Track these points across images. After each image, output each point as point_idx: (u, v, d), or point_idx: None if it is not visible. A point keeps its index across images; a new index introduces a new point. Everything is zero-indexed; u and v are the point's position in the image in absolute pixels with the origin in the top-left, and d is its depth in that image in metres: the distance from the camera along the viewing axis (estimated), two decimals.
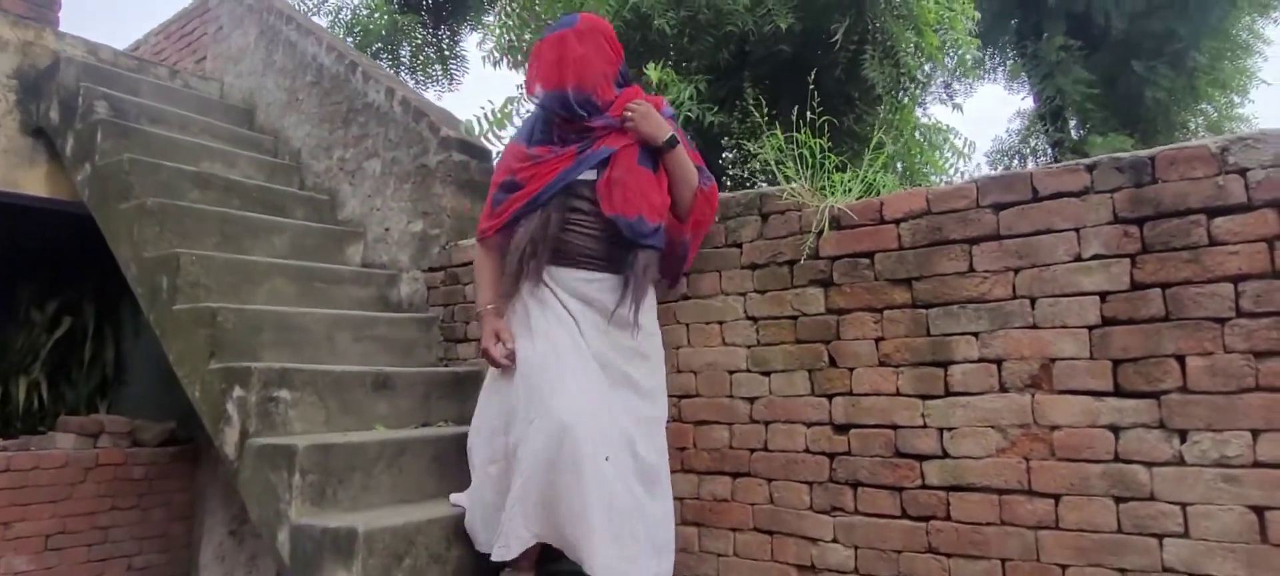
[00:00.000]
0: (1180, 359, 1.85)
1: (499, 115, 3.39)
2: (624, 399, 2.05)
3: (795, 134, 2.52)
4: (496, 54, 3.82)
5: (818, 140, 2.51)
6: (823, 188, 2.51)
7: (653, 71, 3.31)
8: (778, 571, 2.41)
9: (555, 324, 2.04)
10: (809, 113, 2.61)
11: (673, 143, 2.11)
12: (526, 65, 2.28)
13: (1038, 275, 2.03)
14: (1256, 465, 1.75)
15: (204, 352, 2.64)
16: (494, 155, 3.75)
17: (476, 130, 3.58)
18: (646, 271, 2.11)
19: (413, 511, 2.35)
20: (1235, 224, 1.80)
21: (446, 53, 6.40)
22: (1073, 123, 7.57)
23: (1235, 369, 1.78)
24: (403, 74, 6.61)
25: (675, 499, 2.61)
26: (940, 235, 2.18)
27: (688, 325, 2.66)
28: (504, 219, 2.15)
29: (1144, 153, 1.92)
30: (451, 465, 2.69)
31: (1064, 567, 1.95)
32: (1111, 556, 1.89)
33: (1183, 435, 1.84)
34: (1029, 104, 8.58)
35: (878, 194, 2.54)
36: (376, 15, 5.64)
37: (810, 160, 2.56)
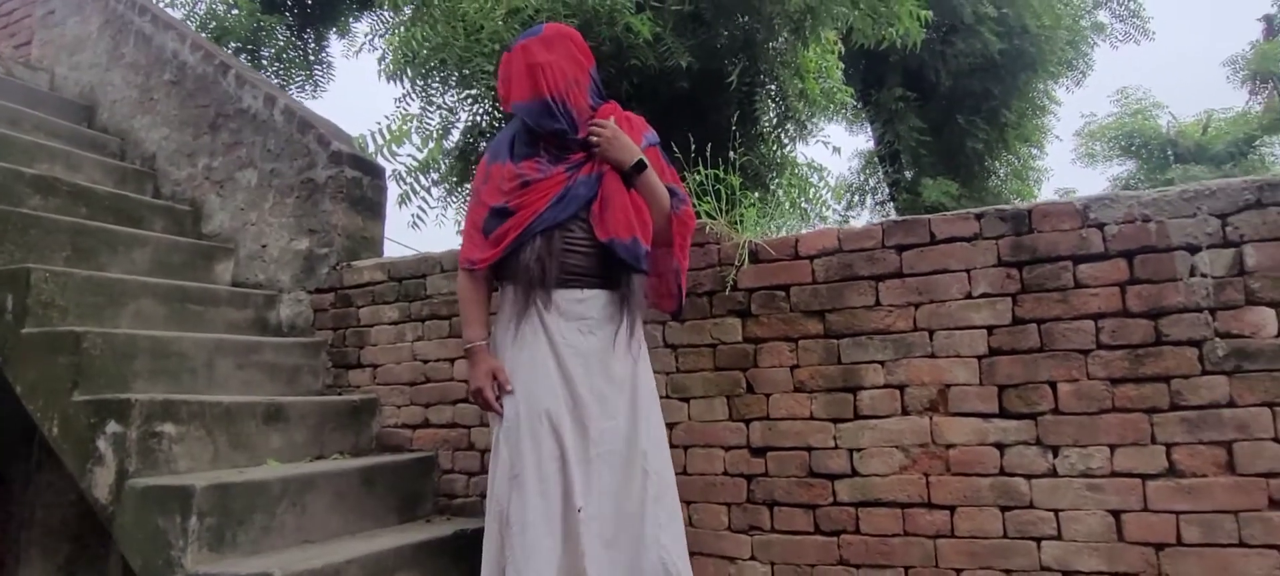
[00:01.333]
0: (1052, 384, 2.15)
1: (396, 132, 3.26)
2: (600, 430, 1.96)
3: (714, 171, 2.64)
4: (393, 69, 3.68)
5: (733, 176, 2.65)
6: (736, 222, 2.66)
7: None
8: None
9: (540, 375, 1.95)
10: (708, 147, 2.75)
11: (640, 166, 2.01)
12: (497, 83, 2.15)
13: (935, 310, 2.28)
14: (1114, 475, 2.07)
15: (65, 383, 2.33)
16: (388, 173, 3.61)
17: (371, 147, 3.43)
18: (640, 294, 2.06)
19: (323, 552, 2.21)
20: (1095, 270, 2.13)
21: (312, 57, 6.03)
22: (908, 165, 8.39)
23: (1096, 393, 2.10)
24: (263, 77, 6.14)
25: None
26: (850, 271, 2.38)
27: None
28: (501, 248, 1.99)
29: (1023, 205, 2.22)
30: (355, 502, 2.56)
31: (959, 571, 2.18)
32: (1000, 559, 2.15)
33: (1055, 450, 2.13)
34: (869, 145, 9.40)
35: (780, 230, 2.73)
36: (237, 12, 5.21)
37: (725, 195, 2.70)
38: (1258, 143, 11.76)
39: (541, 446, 1.90)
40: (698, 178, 2.67)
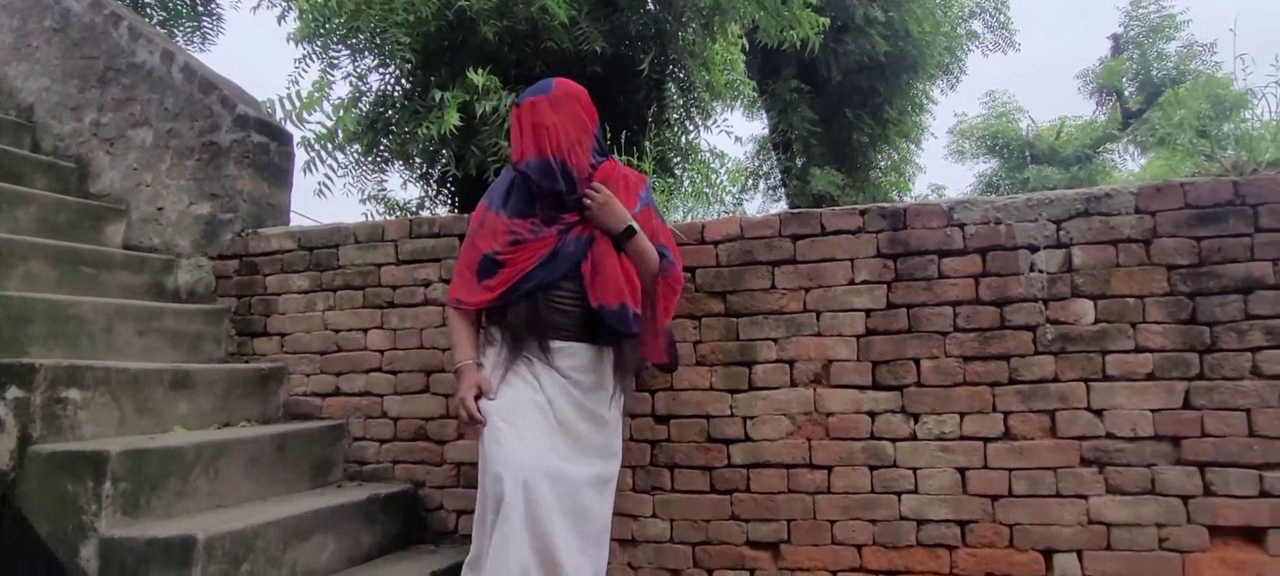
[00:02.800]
0: (917, 361, 2.48)
1: (308, 99, 3.24)
2: (576, 453, 1.99)
3: (628, 156, 2.82)
4: (302, 33, 3.59)
5: (646, 162, 2.84)
6: None
7: (477, 77, 3.41)
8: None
9: (521, 386, 1.98)
10: (623, 134, 2.93)
11: (630, 232, 2.00)
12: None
13: (822, 293, 2.56)
14: (962, 438, 2.42)
15: None
16: (296, 140, 3.56)
17: (278, 112, 3.38)
18: (632, 359, 2.10)
19: (240, 515, 2.25)
20: (956, 263, 2.47)
21: (200, 8, 5.69)
22: (799, 153, 8.86)
23: (951, 369, 2.44)
24: None
25: None
26: (750, 256, 2.63)
27: None
28: (490, 298, 2.01)
29: (900, 204, 2.53)
30: (267, 468, 2.59)
31: (833, 522, 2.49)
32: (867, 511, 2.47)
33: (916, 418, 2.46)
34: (765, 131, 9.83)
35: (688, 215, 2.95)
36: None
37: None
38: (1101, 149, 13.12)
39: (525, 414, 1.96)
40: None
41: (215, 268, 3.25)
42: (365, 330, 3.03)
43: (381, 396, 2.98)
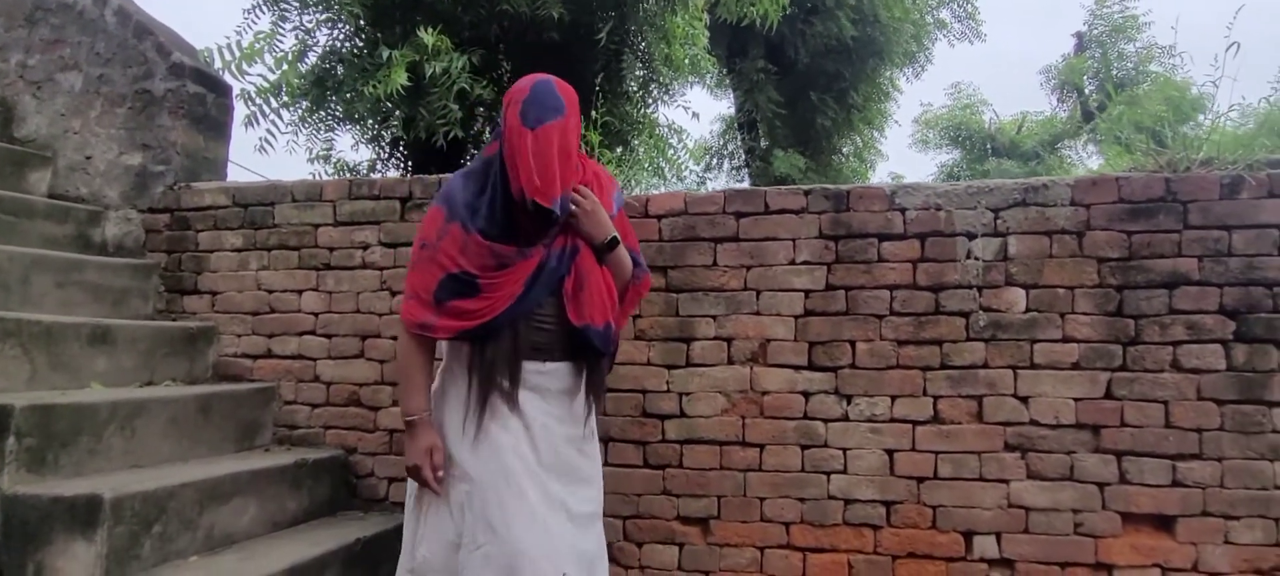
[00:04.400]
0: (852, 343, 2.49)
1: (248, 50, 3.12)
2: (572, 492, 1.79)
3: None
4: None
5: (594, 133, 2.79)
6: None
7: (428, 36, 3.31)
8: None
9: (501, 430, 1.73)
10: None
11: (613, 243, 1.81)
12: (505, 140, 1.70)
13: (763, 272, 2.55)
14: (892, 420, 2.45)
15: None
16: (236, 93, 3.44)
17: (216, 62, 3.26)
18: (607, 374, 1.94)
19: (155, 476, 2.18)
20: (896, 247, 2.48)
21: None
22: (764, 134, 8.85)
23: (886, 352, 2.46)
24: None
25: None
26: (693, 232, 2.61)
27: None
28: (466, 326, 1.72)
29: (843, 187, 2.53)
30: (189, 429, 2.52)
31: (763, 499, 2.51)
32: (796, 489, 2.49)
33: (849, 399, 2.48)
34: (731, 111, 9.80)
35: (640, 188, 2.92)
36: None
37: (588, 151, 2.83)
38: (1060, 145, 13.36)
39: (505, 455, 1.74)
40: None
41: (145, 221, 3.13)
42: (300, 292, 2.95)
43: (314, 360, 2.92)
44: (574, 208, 1.76)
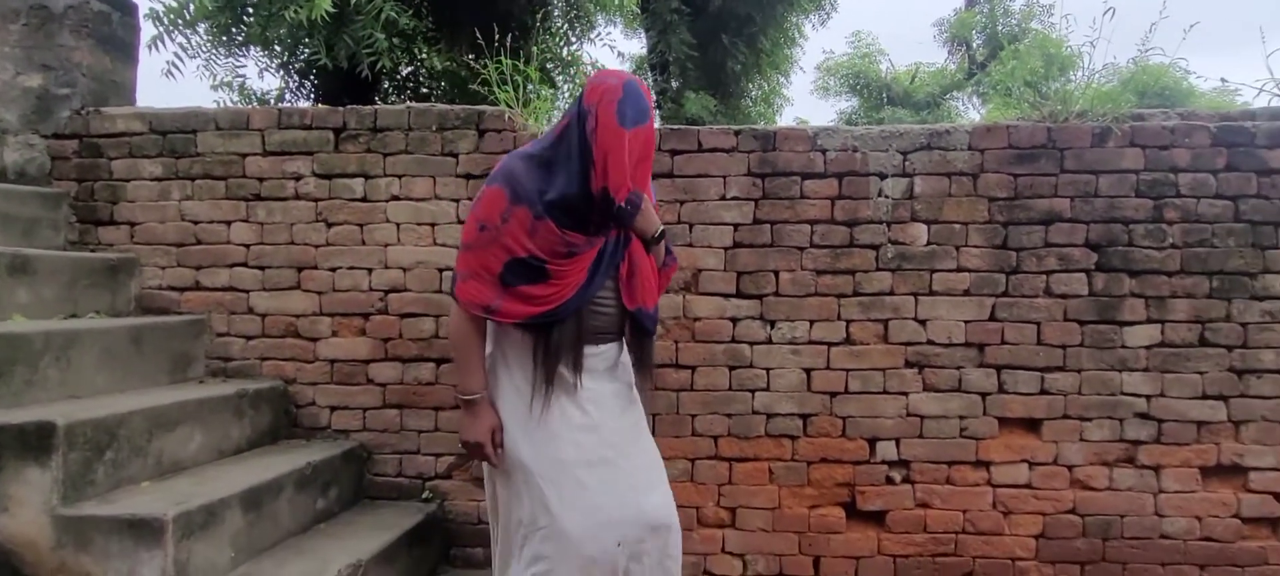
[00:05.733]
0: (776, 273, 2.72)
1: None
2: (632, 461, 1.83)
3: (512, 61, 2.82)
4: None
5: (532, 69, 2.86)
6: (532, 114, 2.89)
7: None
8: None
9: (560, 419, 1.75)
10: (508, 38, 2.93)
11: (661, 236, 1.85)
12: (598, 137, 1.63)
13: (696, 207, 2.73)
14: (810, 343, 2.71)
15: None
16: (142, 13, 3.26)
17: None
18: (652, 355, 1.99)
19: (100, 405, 2.17)
20: (816, 185, 2.70)
21: None
22: (675, 75, 8.97)
23: (806, 281, 2.71)
24: None
25: (379, 385, 2.84)
26: None
27: (399, 225, 2.84)
28: (534, 312, 1.71)
29: (771, 128, 2.72)
30: (123, 360, 2.49)
31: (694, 416, 2.74)
32: (724, 406, 2.73)
33: (773, 324, 2.72)
34: (644, 51, 9.84)
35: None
36: None
37: (521, 86, 2.90)
38: (949, 95, 14.16)
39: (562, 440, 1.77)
40: (497, 67, 2.83)
41: (50, 148, 2.97)
42: (228, 222, 2.90)
43: (247, 292, 2.89)
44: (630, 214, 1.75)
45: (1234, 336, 2.61)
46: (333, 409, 2.86)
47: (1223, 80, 8.99)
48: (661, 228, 1.84)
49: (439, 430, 2.83)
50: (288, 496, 2.38)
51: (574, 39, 4.32)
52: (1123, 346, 2.64)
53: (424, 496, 2.82)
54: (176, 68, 3.65)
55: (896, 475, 2.70)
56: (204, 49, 3.97)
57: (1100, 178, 2.66)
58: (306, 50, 4.05)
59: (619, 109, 1.63)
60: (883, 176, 2.70)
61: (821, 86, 14.90)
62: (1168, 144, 2.65)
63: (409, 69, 4.52)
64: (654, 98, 1.64)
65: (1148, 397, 2.63)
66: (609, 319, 1.83)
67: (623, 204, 1.64)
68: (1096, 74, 3.13)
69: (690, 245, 2.73)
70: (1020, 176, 2.68)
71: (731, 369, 2.73)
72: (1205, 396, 2.62)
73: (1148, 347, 2.63)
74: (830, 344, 2.70)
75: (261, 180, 2.89)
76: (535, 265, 1.69)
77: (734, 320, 2.73)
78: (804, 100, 34.27)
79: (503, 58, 2.83)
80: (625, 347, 1.89)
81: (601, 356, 1.82)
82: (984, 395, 2.67)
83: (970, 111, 13.90)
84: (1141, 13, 3.17)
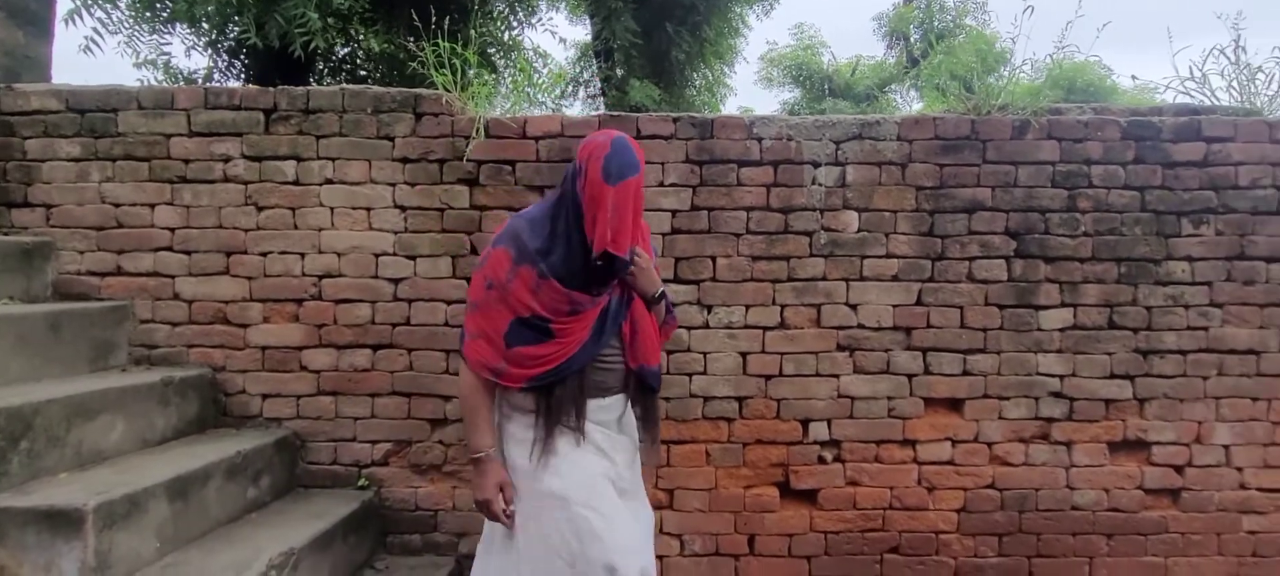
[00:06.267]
0: (713, 259, 2.77)
1: None
2: (631, 507, 1.91)
3: (451, 44, 2.79)
4: None
5: (471, 53, 2.84)
6: (470, 98, 2.86)
7: None
8: (414, 426, 2.80)
9: (580, 455, 1.82)
10: (447, 21, 2.89)
11: (661, 297, 1.93)
12: (586, 193, 1.73)
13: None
14: (746, 327, 2.77)
15: None
16: None
17: None
18: (658, 412, 2.06)
19: (18, 393, 2.08)
20: (752, 173, 2.76)
21: None
22: (619, 63, 8.96)
23: (742, 267, 2.77)
24: None
25: (313, 372, 2.80)
26: (568, 153, 2.75)
27: (333, 209, 2.79)
28: (539, 371, 1.77)
29: (709, 116, 2.76)
30: (40, 347, 2.39)
31: None
32: (664, 390, 2.75)
33: (710, 309, 2.78)
34: (588, 38, 9.79)
35: (509, 111, 3.01)
36: None
37: (460, 70, 2.87)
38: (888, 88, 14.52)
39: (594, 477, 1.85)
40: (434, 50, 2.80)
41: None
42: (152, 205, 2.80)
43: (173, 277, 2.80)
44: (633, 268, 1.82)
45: (1139, 319, 2.78)
46: (264, 397, 2.80)
47: (1133, 77, 9.50)
48: (662, 288, 1.92)
49: (375, 417, 2.80)
50: (216, 485, 2.33)
51: (516, 23, 4.28)
52: (1038, 329, 2.78)
53: (360, 483, 2.79)
54: (96, 44, 3.49)
55: (828, 454, 2.79)
56: (126, 24, 3.81)
57: (1020, 168, 2.78)
58: (236, 28, 3.92)
59: (604, 165, 1.71)
60: (816, 165, 2.78)
61: (766, 77, 15.10)
62: (1082, 137, 2.79)
63: (346, 50, 4.42)
64: (640, 152, 1.80)
65: (1061, 377, 2.78)
66: (614, 376, 1.88)
67: (624, 256, 1.72)
68: (1018, 70, 3.28)
69: None
70: (946, 166, 2.78)
71: (669, 353, 2.77)
72: (1113, 376, 2.78)
73: (1061, 330, 2.78)
74: (765, 328, 2.77)
75: (187, 161, 2.80)
76: (538, 324, 1.76)
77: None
78: (748, 91, 34.61)
79: (441, 40, 2.80)
80: (630, 405, 1.94)
81: (606, 409, 1.87)
82: (910, 377, 2.78)
83: (909, 104, 14.29)
84: (1063, 11, 3.31)
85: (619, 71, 9.30)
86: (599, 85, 10.15)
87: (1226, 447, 2.79)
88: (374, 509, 2.76)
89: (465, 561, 2.80)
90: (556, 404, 1.79)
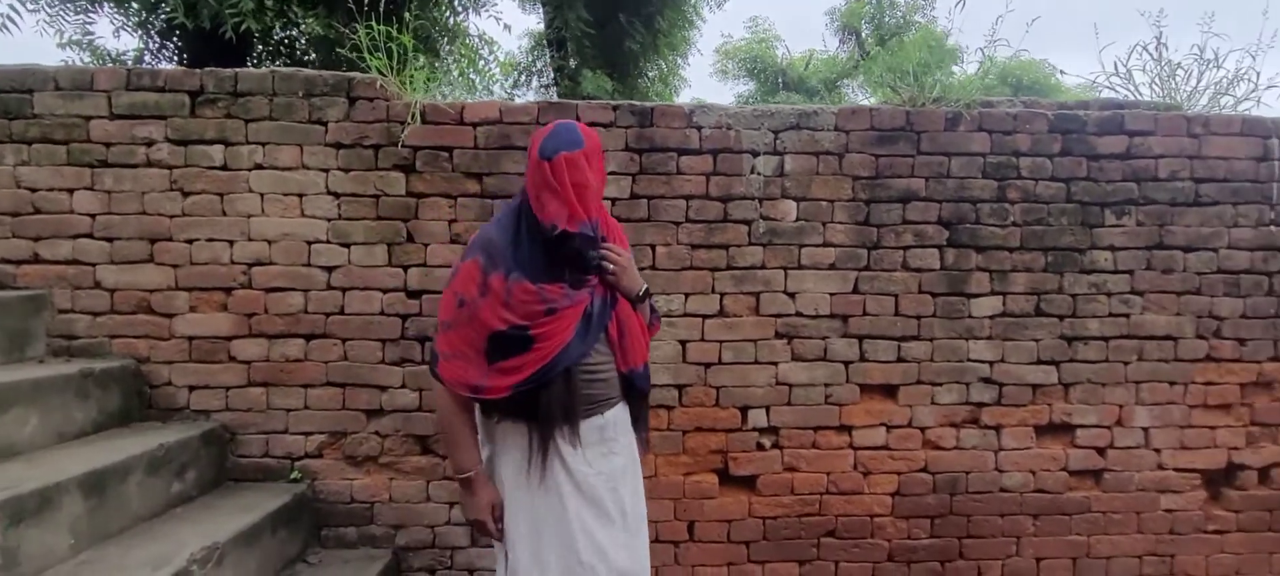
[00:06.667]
0: (653, 247, 2.78)
1: None
2: (642, 538, 1.90)
3: (386, 27, 2.74)
4: None
5: (407, 37, 2.78)
6: (407, 82, 2.81)
7: None
8: (349, 417, 2.75)
9: (561, 472, 1.77)
10: (368, 4, 2.82)
11: (646, 295, 1.89)
12: (528, 180, 1.74)
13: None
14: (686, 315, 2.79)
15: None
16: None
17: None
18: (647, 413, 2.03)
19: None
20: (692, 161, 2.77)
21: None
22: (572, 53, 8.91)
23: (681, 255, 2.78)
24: None
25: (243, 363, 2.72)
26: (508, 141, 2.72)
27: (263, 195, 2.71)
28: (519, 380, 1.70)
29: (648, 104, 2.76)
30: None
31: None
32: None
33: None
34: (541, 27, 9.71)
35: (448, 97, 2.96)
36: None
37: (397, 54, 2.81)
38: (840, 82, 14.72)
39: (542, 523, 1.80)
40: (369, 32, 2.74)
41: None
42: (70, 190, 2.69)
43: (93, 265, 2.70)
44: (611, 266, 1.79)
45: (1064, 306, 2.87)
46: (192, 388, 2.71)
47: (1062, 71, 9.83)
48: (645, 288, 1.89)
49: (308, 408, 2.74)
50: (138, 480, 2.25)
51: (461, 8, 4.21)
52: (969, 316, 2.85)
53: (293, 476, 2.73)
54: (12, 21, 3.33)
55: (766, 441, 2.82)
56: (47, 1, 3.64)
57: (952, 159, 2.84)
58: (166, 9, 3.78)
59: (542, 146, 1.72)
60: (755, 154, 2.80)
61: (721, 70, 15.17)
62: (1011, 129, 2.86)
63: (284, 34, 4.30)
64: (592, 136, 1.78)
65: (991, 363, 2.86)
66: (606, 383, 1.82)
67: (578, 231, 1.71)
68: (966, 66, 3.34)
69: None
70: (881, 157, 2.83)
71: None
72: (1039, 361, 2.87)
73: (991, 317, 2.85)
74: (705, 316, 2.79)
75: (108, 145, 2.69)
76: (516, 335, 1.70)
77: None
78: (703, 83, 34.74)
79: (375, 23, 2.74)
80: (631, 423, 1.90)
81: (607, 426, 1.82)
82: (847, 364, 2.82)
83: (859, 98, 14.50)
84: (996, 7, 3.40)
85: (572, 62, 9.25)
86: (552, 75, 10.08)
87: (1145, 430, 2.91)
88: (307, 502, 2.70)
89: (402, 553, 2.77)
90: (545, 411, 1.73)
